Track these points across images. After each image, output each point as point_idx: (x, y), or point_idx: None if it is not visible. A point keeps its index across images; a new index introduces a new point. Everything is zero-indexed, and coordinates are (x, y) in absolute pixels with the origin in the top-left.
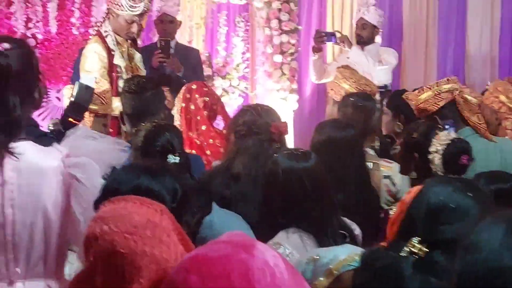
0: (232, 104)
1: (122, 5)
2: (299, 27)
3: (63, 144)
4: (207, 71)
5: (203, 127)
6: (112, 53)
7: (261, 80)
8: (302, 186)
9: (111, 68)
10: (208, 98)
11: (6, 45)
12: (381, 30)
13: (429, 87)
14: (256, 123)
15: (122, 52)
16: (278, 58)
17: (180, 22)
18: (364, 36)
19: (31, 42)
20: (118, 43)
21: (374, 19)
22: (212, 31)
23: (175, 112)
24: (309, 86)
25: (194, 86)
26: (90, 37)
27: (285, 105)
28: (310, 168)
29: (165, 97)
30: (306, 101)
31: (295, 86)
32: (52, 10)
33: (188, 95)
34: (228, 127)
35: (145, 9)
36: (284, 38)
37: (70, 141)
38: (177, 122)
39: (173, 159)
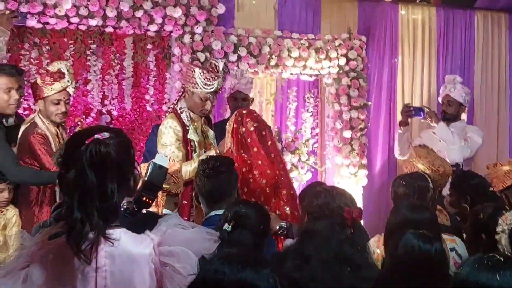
0: (301, 179)
1: (197, 83)
2: (369, 103)
3: (155, 232)
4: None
5: (255, 149)
6: (187, 128)
7: (331, 155)
8: (433, 268)
9: (186, 142)
10: (257, 124)
11: (106, 134)
12: (467, 108)
13: (501, 164)
14: (329, 206)
15: (196, 128)
16: (347, 134)
17: (253, 99)
18: (449, 112)
19: (106, 118)
20: (192, 120)
21: (460, 97)
22: (282, 107)
23: (227, 133)
24: (379, 161)
25: (245, 111)
26: (167, 114)
27: (354, 181)
28: (439, 250)
29: (237, 176)
30: (375, 176)
31: (364, 161)
32: (127, 88)
33: (239, 118)
34: (302, 208)
35: (219, 86)
36: (354, 113)
37: (162, 229)
38: (228, 143)
39: (226, 227)
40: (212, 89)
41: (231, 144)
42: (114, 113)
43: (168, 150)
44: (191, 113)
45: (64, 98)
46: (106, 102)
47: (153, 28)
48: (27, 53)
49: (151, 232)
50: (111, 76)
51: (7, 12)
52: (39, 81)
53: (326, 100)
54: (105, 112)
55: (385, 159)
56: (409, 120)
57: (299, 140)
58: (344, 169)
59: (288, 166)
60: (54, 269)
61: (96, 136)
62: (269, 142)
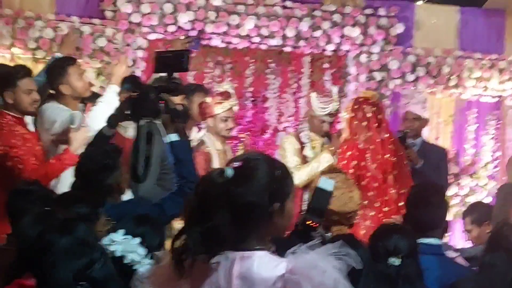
0: None
1: (314, 107)
2: None
3: (294, 256)
4: (453, 169)
5: (369, 134)
6: (303, 145)
7: None
8: None
9: (301, 158)
10: (375, 108)
11: (236, 164)
12: None
13: None
14: (508, 239)
15: (314, 146)
16: None
17: (427, 119)
18: None
19: (282, 135)
20: (311, 139)
21: None
22: (460, 129)
23: (345, 123)
24: None
25: (361, 99)
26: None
27: None
28: None
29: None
30: None
31: None
32: (303, 106)
33: (356, 106)
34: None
35: (333, 110)
36: None
37: (299, 254)
38: (345, 133)
39: (393, 261)
40: (327, 112)
41: (347, 133)
42: (290, 130)
43: (289, 159)
44: (311, 133)
45: (231, 115)
46: (282, 119)
47: (331, 47)
48: (211, 71)
49: (292, 255)
50: (288, 94)
51: (182, 37)
52: (209, 100)
53: (508, 122)
54: (281, 130)
55: None
56: None
57: (478, 163)
58: None
59: (466, 190)
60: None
61: (227, 165)
62: (384, 126)
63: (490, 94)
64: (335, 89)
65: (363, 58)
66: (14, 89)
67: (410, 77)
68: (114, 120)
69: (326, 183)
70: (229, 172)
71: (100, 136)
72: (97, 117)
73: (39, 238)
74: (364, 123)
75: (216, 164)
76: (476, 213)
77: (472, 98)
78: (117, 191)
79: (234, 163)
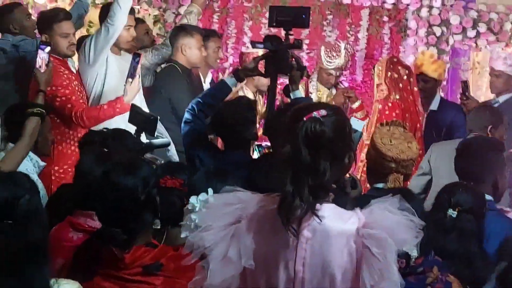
0: None
1: (321, 60)
2: None
3: (364, 211)
4: None
5: (405, 94)
6: (310, 95)
7: None
8: None
9: None
10: (408, 71)
11: (323, 112)
12: None
13: None
14: None
15: (321, 96)
16: None
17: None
18: None
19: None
20: (317, 89)
21: None
22: None
23: (378, 80)
24: None
25: (395, 60)
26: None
27: None
28: None
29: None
30: None
31: None
32: (359, 59)
33: (391, 66)
34: None
35: (339, 64)
36: None
37: (371, 209)
38: (383, 91)
39: (451, 213)
40: (333, 66)
41: (386, 92)
42: (345, 84)
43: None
44: (319, 84)
45: None
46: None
47: (391, 0)
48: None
49: (362, 211)
50: None
51: None
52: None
53: None
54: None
55: None
56: None
57: None
58: None
59: None
60: (265, 234)
61: (314, 113)
62: (415, 89)
63: None
64: (343, 45)
65: (424, 12)
66: (51, 33)
67: (471, 33)
68: (243, 74)
69: (357, 124)
70: (323, 112)
71: (224, 87)
72: None
73: (104, 177)
74: (400, 84)
75: None
76: None
77: None
78: (251, 145)
79: (322, 111)
